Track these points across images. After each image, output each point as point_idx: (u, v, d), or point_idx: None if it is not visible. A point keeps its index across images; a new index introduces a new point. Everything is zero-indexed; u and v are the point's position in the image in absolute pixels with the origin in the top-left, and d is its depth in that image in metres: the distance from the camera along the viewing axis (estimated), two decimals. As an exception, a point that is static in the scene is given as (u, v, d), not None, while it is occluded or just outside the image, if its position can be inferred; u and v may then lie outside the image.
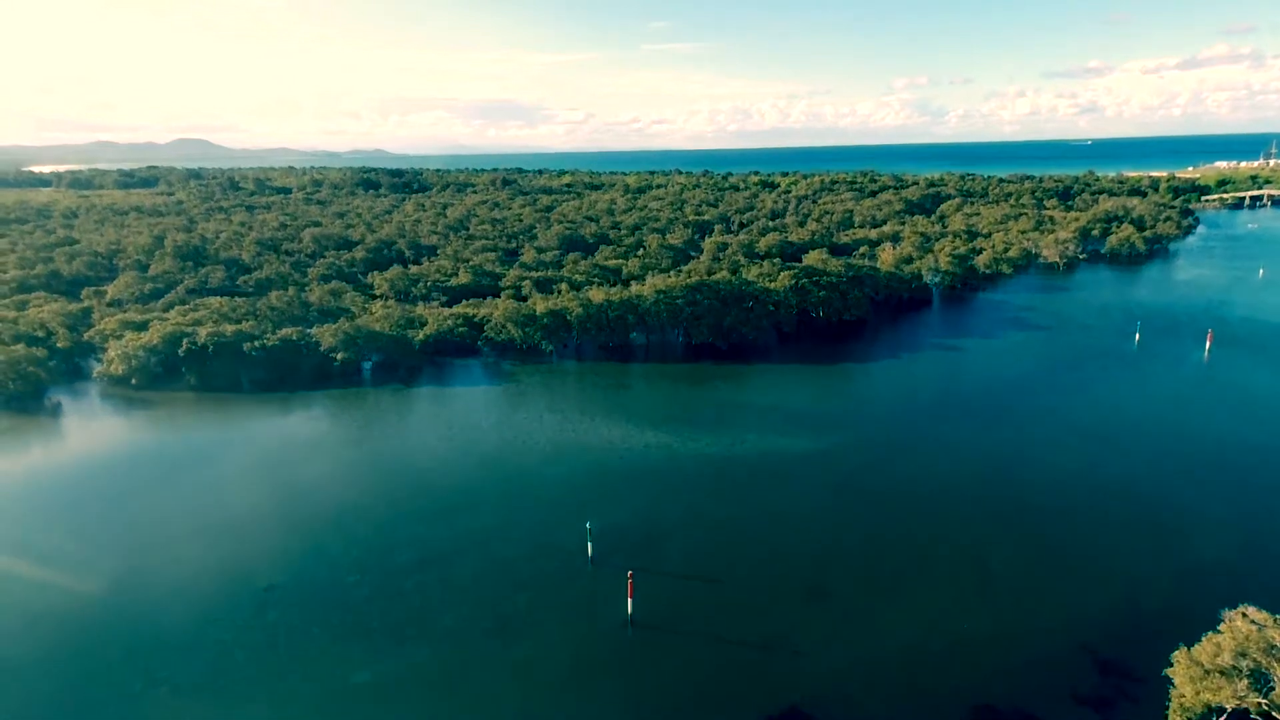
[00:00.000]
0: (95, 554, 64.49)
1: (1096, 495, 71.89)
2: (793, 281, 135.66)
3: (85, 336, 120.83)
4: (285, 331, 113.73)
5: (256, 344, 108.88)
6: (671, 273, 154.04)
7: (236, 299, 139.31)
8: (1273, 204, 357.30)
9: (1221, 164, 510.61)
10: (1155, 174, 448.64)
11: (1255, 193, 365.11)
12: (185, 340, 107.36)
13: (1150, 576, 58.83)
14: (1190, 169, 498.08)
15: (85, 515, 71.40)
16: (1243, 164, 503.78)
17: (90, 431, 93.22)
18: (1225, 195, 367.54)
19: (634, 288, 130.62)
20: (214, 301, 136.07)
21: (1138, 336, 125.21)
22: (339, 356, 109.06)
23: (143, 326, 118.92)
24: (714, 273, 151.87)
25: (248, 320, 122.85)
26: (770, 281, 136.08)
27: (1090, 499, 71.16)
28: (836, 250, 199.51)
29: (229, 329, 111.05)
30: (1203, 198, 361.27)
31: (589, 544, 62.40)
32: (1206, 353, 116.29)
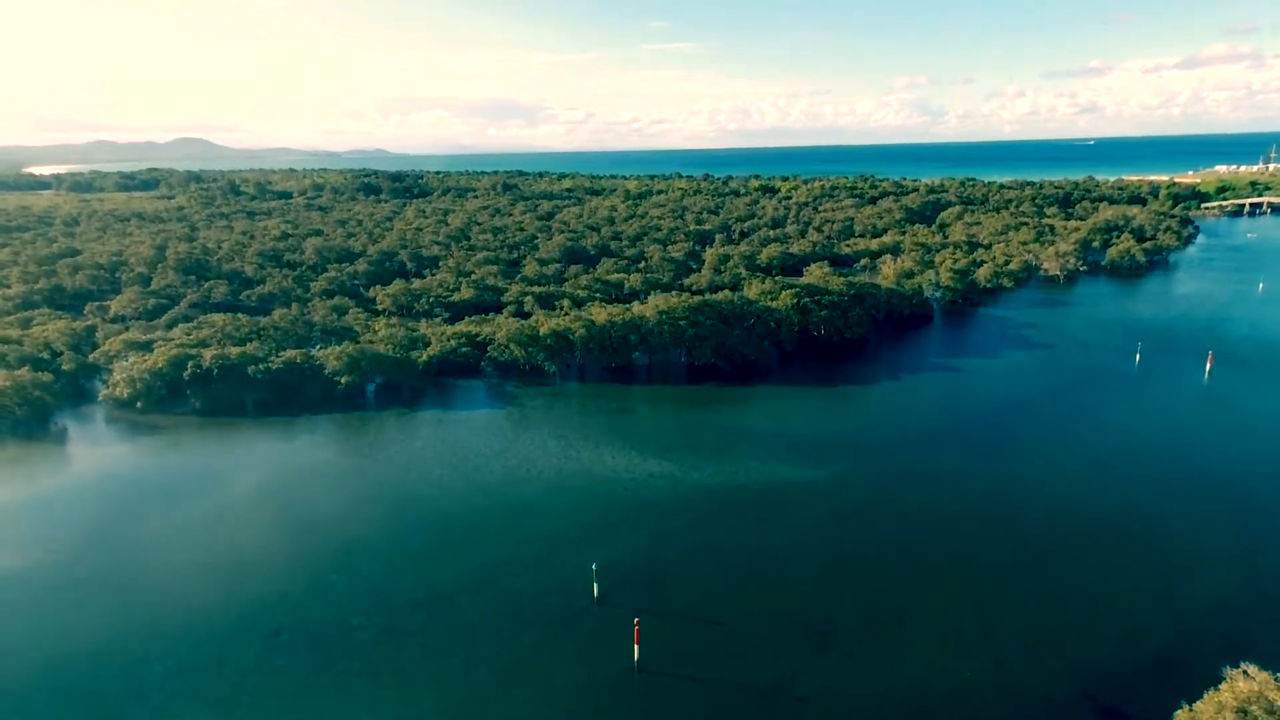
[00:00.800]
0: (101, 589, 64.88)
1: (1099, 529, 72.36)
2: (794, 300, 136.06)
3: (90, 358, 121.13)
4: (289, 354, 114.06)
5: (261, 366, 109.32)
6: (674, 290, 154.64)
7: (240, 316, 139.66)
8: (1272, 211, 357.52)
9: (1221, 168, 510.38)
10: (1155, 178, 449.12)
11: (1255, 200, 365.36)
12: (190, 363, 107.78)
13: (1152, 616, 59.26)
14: (1190, 173, 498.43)
15: (93, 548, 71.71)
16: (1242, 168, 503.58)
17: (96, 459, 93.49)
18: (1225, 202, 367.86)
19: (636, 308, 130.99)
20: (218, 319, 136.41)
21: (1138, 356, 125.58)
22: (343, 380, 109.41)
23: (147, 347, 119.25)
24: (716, 287, 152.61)
25: (252, 341, 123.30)
26: (772, 300, 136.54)
27: (1093, 533, 71.62)
28: (837, 262, 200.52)
29: (233, 351, 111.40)
30: (1202, 205, 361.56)
31: (594, 584, 62.85)
32: (1207, 374, 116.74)
